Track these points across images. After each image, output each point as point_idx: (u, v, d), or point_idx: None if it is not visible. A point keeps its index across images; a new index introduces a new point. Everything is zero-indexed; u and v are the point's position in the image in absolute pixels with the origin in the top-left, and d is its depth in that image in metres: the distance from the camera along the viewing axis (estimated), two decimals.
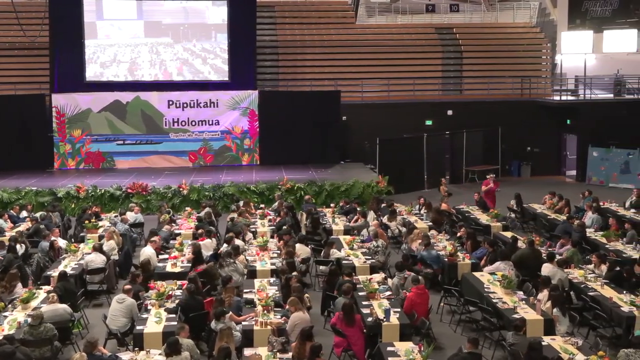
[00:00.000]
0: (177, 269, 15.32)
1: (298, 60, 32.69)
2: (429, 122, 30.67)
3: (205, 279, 14.42)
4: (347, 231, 19.00)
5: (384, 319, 12.27)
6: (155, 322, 12.27)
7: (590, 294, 13.60)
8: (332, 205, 22.01)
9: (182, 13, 30.09)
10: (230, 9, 29.66)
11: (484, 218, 20.34)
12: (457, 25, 35.92)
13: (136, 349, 11.37)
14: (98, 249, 16.06)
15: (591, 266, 15.25)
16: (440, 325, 14.02)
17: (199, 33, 30.02)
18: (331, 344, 12.23)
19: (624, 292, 13.58)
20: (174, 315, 12.52)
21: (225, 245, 16.30)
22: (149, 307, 12.93)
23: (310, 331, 10.99)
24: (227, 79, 29.76)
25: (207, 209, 20.10)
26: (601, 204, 21.12)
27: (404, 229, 19.08)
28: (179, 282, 14.08)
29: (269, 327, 11.82)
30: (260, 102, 29.15)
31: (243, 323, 12.22)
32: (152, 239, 16.70)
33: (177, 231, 18.71)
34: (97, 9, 29.27)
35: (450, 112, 31.00)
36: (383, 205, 21.19)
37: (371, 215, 19.94)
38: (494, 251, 16.03)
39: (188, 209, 21.34)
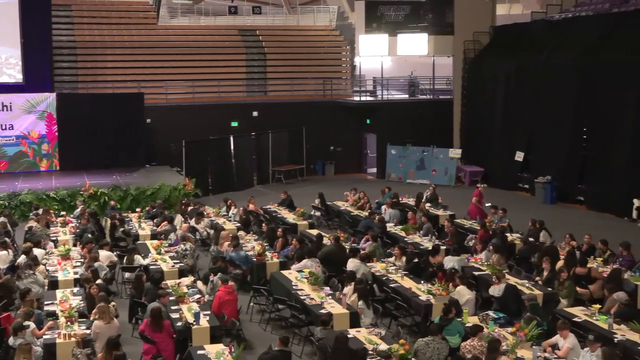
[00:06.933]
0: None
1: (98, 62, 31.65)
2: (234, 124, 30.80)
3: (1, 293, 13.61)
4: (154, 236, 18.68)
5: (194, 323, 12.19)
6: None
7: (392, 285, 14.28)
8: (137, 210, 21.54)
9: None
10: (22, 8, 28.14)
11: (290, 217, 20.72)
12: (260, 27, 36.34)
13: None
14: None
15: (392, 259, 16.00)
16: (251, 325, 14.13)
17: None
18: (140, 352, 11.96)
19: (422, 282, 14.37)
20: None
21: (23, 256, 15.47)
22: None
23: (117, 340, 10.68)
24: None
25: (1, 219, 18.99)
26: (400, 199, 22.22)
27: (212, 231, 19.05)
28: None
29: (73, 339, 11.37)
30: (58, 105, 27.84)
31: (44, 336, 11.65)
32: None
33: None
34: None
35: (255, 113, 31.32)
36: (190, 207, 21.03)
37: (179, 218, 19.73)
38: (300, 249, 16.36)
39: None
